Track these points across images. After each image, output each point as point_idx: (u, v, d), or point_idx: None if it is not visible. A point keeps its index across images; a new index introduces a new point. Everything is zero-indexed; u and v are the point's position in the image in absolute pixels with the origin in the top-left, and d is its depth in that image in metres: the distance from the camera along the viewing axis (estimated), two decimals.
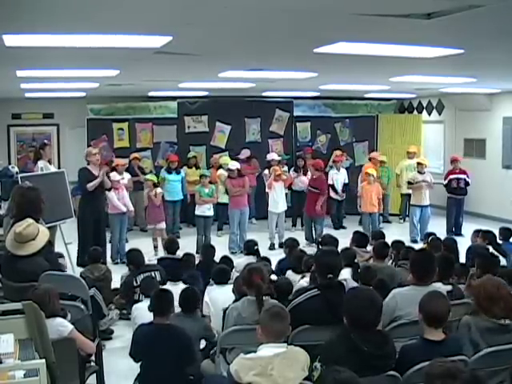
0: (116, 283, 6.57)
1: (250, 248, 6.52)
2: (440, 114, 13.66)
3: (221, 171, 10.47)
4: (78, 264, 7.74)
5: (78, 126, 12.38)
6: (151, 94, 12.24)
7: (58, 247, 7.14)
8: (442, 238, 6.78)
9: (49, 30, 4.34)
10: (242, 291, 4.10)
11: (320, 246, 6.40)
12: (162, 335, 3.84)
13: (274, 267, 6.30)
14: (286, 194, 10.50)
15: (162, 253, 7.85)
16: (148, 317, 4.07)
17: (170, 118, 12.18)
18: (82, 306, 4.48)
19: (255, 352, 2.97)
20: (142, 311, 4.52)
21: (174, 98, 12.25)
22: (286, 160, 11.86)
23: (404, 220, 11.84)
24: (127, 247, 8.03)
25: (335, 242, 6.07)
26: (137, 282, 5.98)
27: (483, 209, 12.02)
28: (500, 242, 6.80)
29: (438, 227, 9.98)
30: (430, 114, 13.95)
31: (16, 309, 3.38)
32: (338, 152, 12.06)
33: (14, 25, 4.10)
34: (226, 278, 5.29)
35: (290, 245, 6.61)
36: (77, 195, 9.29)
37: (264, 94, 12.29)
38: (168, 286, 5.19)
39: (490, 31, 4.51)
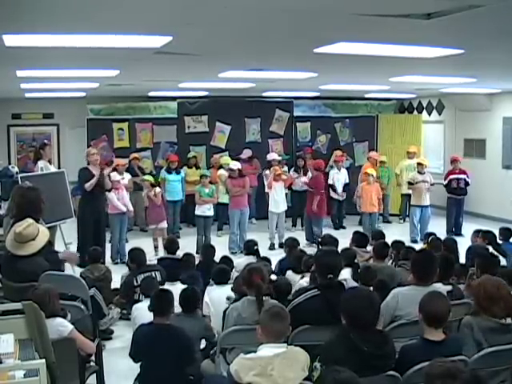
0: (116, 283, 6.58)
1: (250, 248, 6.52)
2: (440, 114, 13.66)
3: (221, 171, 10.46)
4: (78, 264, 7.73)
5: (77, 126, 12.37)
6: (151, 94, 12.23)
7: (58, 247, 7.11)
8: (442, 238, 6.78)
9: (49, 30, 4.34)
10: (242, 291, 4.10)
11: (320, 246, 6.41)
12: (162, 335, 3.84)
13: (274, 267, 6.31)
14: (286, 194, 10.50)
15: (162, 253, 7.86)
16: (148, 317, 4.07)
17: (170, 118, 12.16)
18: (82, 306, 4.49)
19: (255, 352, 2.97)
20: (142, 311, 4.52)
21: (173, 98, 12.24)
22: (286, 160, 11.85)
23: (404, 220, 11.84)
24: (127, 247, 8.03)
25: (335, 242, 6.08)
26: (137, 282, 5.98)
27: (483, 209, 12.02)
28: (500, 242, 6.79)
29: (438, 227, 9.98)
30: (429, 114, 13.95)
31: (16, 309, 3.38)
32: (338, 152, 12.08)
33: (14, 25, 4.10)
34: (226, 278, 5.30)
35: (290, 245, 6.62)
36: (77, 195, 9.28)
37: (264, 94, 12.28)
38: (166, 285, 5.18)
39: (490, 31, 4.51)
